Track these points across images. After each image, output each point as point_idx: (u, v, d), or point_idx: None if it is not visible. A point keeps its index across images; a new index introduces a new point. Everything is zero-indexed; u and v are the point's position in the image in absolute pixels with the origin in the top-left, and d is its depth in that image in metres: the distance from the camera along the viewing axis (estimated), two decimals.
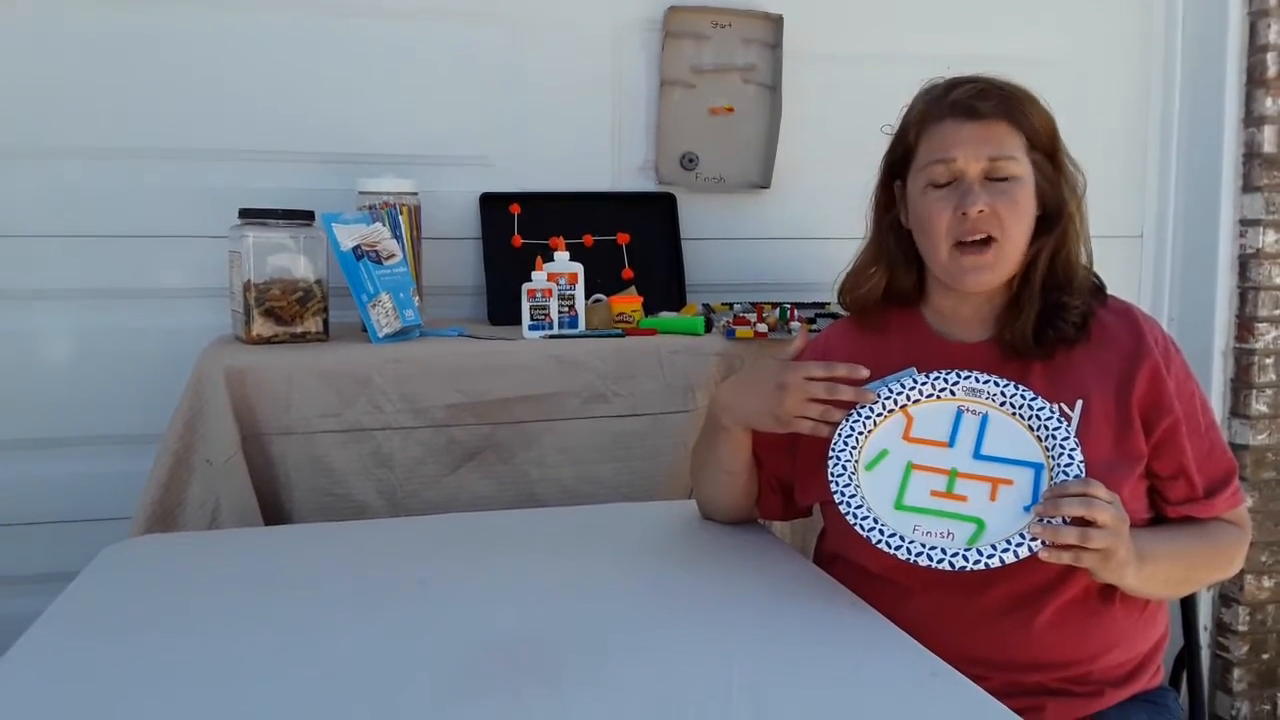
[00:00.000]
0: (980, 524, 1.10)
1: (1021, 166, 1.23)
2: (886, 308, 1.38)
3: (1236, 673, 2.40)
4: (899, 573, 1.18)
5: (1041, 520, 1.06)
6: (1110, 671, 1.23)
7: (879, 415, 1.21)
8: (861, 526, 1.13)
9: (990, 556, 1.06)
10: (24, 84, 1.90)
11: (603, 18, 2.14)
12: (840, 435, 1.20)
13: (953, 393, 1.20)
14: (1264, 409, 2.37)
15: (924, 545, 1.09)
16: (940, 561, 1.07)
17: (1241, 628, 2.40)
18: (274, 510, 1.67)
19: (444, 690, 0.96)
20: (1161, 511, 1.25)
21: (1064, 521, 1.05)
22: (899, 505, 1.14)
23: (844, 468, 1.18)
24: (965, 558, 1.07)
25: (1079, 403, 1.22)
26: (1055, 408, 1.16)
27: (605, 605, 1.18)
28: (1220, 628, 2.45)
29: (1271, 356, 2.37)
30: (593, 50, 2.14)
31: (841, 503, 1.15)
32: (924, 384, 1.21)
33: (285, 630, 1.10)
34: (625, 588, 1.23)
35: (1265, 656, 2.42)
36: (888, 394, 1.21)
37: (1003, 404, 1.17)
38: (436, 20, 2.06)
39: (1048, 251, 1.27)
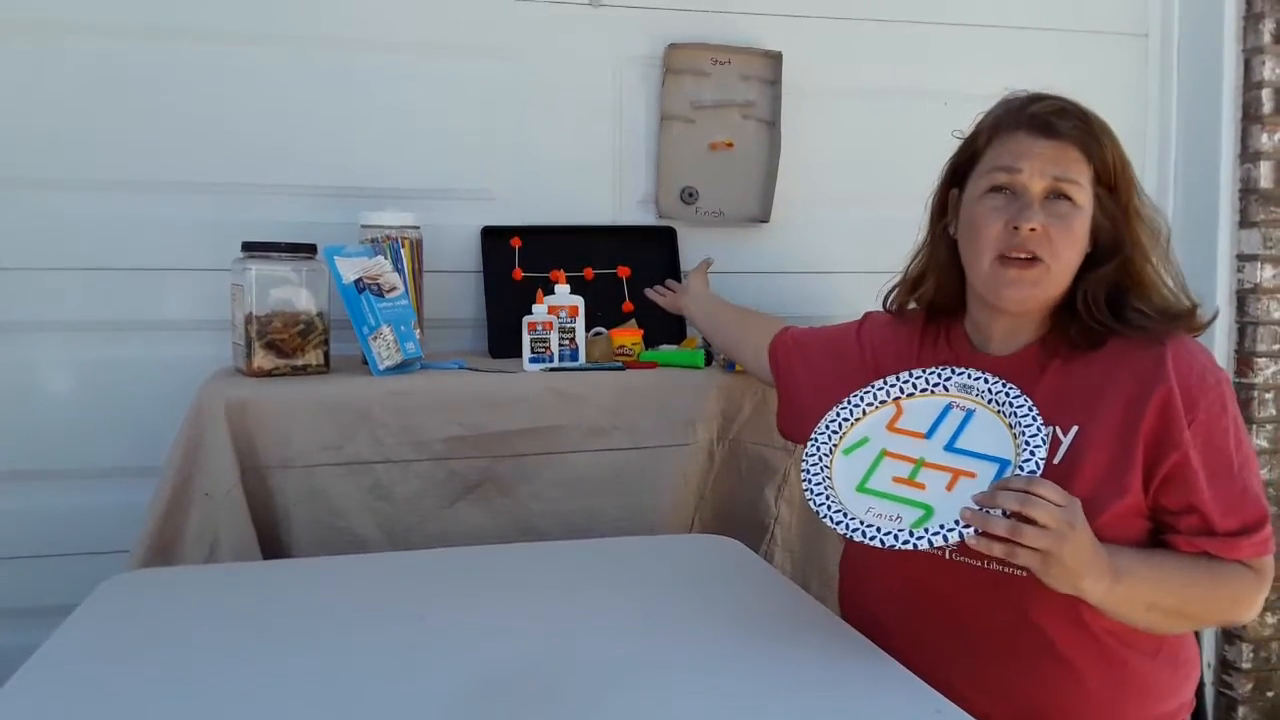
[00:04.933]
0: (929, 510, 1.09)
1: (1083, 194, 1.20)
2: (927, 318, 1.37)
3: (1241, 710, 2.38)
4: (952, 631, 1.20)
5: (981, 510, 1.03)
6: None
7: (869, 406, 1.24)
8: (815, 502, 1.15)
9: (920, 539, 1.05)
10: (25, 117, 1.91)
11: (604, 53, 2.16)
12: (827, 419, 1.25)
13: (946, 388, 1.21)
14: (1264, 444, 2.37)
15: (865, 524, 1.10)
16: (872, 539, 1.08)
17: (1245, 665, 2.38)
18: (273, 543, 1.66)
19: None
20: (1173, 544, 1.18)
21: (1004, 515, 1.02)
22: (860, 488, 1.16)
23: (818, 448, 1.22)
24: (896, 538, 1.07)
25: (1074, 428, 1.19)
26: (1035, 410, 1.14)
27: (605, 640, 1.17)
28: (1224, 665, 2.42)
29: (1271, 391, 2.37)
30: (594, 85, 2.16)
31: (805, 480, 1.18)
32: (919, 378, 1.23)
33: (283, 664, 1.10)
34: (625, 622, 1.23)
35: (1270, 694, 2.39)
36: (882, 385, 1.24)
37: (989, 401, 1.17)
38: (438, 55, 2.08)
39: (1094, 290, 1.22)
